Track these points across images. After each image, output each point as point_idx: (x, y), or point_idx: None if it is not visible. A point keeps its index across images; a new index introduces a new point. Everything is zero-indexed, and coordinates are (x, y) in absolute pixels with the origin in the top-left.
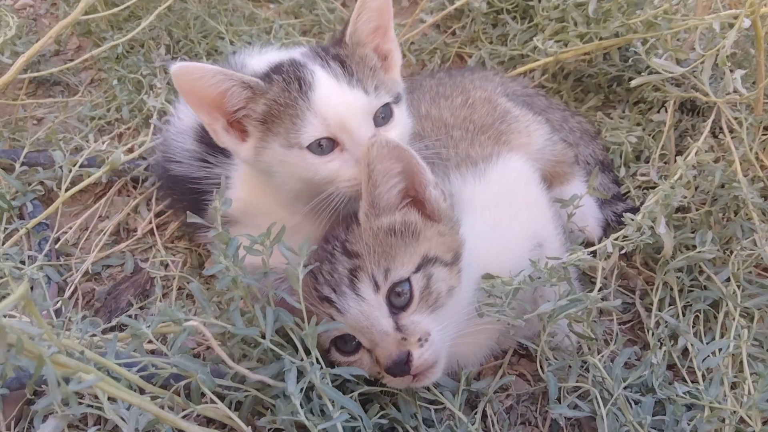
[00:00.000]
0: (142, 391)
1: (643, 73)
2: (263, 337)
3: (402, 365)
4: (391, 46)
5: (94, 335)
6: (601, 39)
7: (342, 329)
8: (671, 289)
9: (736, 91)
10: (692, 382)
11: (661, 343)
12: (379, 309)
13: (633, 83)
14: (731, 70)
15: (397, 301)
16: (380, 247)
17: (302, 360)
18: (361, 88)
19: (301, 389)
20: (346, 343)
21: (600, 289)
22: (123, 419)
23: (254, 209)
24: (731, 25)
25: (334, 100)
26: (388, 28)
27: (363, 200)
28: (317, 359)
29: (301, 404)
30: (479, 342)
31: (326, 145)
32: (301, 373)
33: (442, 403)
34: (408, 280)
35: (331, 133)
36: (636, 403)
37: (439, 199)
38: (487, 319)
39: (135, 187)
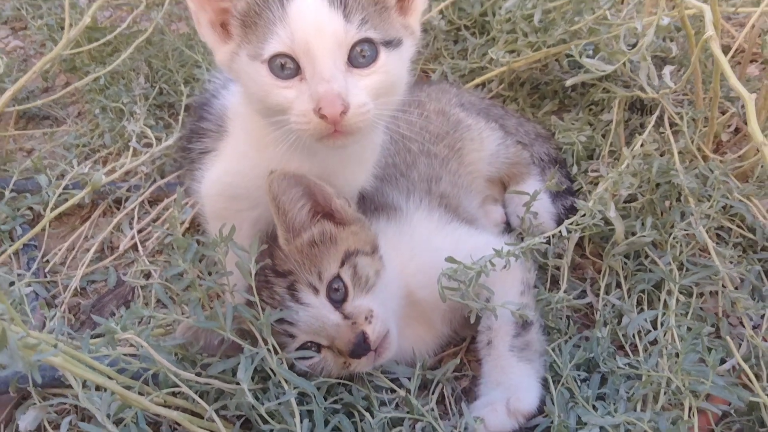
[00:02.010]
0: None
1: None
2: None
3: (362, 344)
4: None
5: (71, 336)
6: (549, 47)
7: (294, 320)
8: (617, 274)
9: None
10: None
11: (606, 322)
12: (325, 308)
13: (567, 83)
14: (660, 63)
15: (336, 295)
16: (307, 258)
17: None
18: (343, 12)
19: (261, 378)
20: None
21: (556, 282)
22: (97, 409)
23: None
24: (678, 28)
25: (308, 15)
26: None
27: (278, 228)
28: (274, 347)
29: (257, 394)
30: (432, 330)
31: (289, 69)
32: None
33: (398, 389)
34: (338, 275)
35: (293, 52)
36: (584, 381)
37: (344, 206)
38: (426, 305)
39: (118, 208)
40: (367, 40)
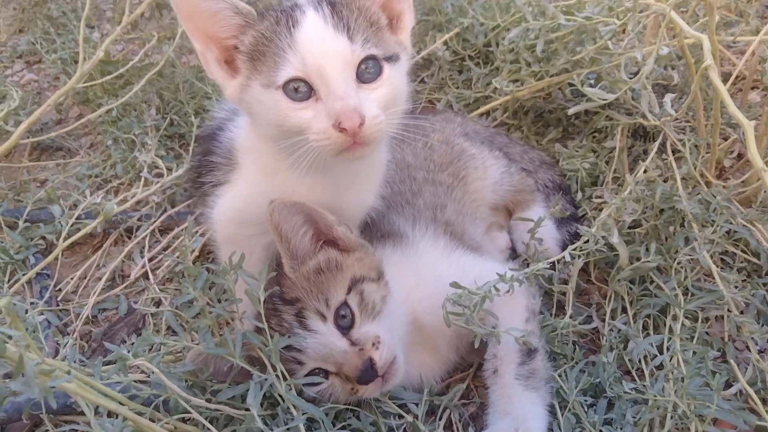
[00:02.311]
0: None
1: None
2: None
3: (369, 370)
4: (404, 6)
5: (83, 363)
6: (552, 76)
7: (302, 346)
8: (623, 299)
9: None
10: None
11: (612, 347)
12: (332, 334)
13: (569, 112)
14: (662, 91)
15: (343, 322)
16: (314, 285)
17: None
18: (347, 34)
19: (270, 404)
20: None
21: (562, 307)
22: None
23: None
24: (679, 57)
25: (315, 40)
26: None
27: (283, 256)
28: (282, 373)
29: (266, 420)
30: (439, 356)
31: (303, 92)
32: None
33: (405, 414)
34: (345, 302)
35: (307, 76)
36: (591, 406)
37: (347, 233)
38: (432, 331)
39: (129, 237)
40: (371, 57)
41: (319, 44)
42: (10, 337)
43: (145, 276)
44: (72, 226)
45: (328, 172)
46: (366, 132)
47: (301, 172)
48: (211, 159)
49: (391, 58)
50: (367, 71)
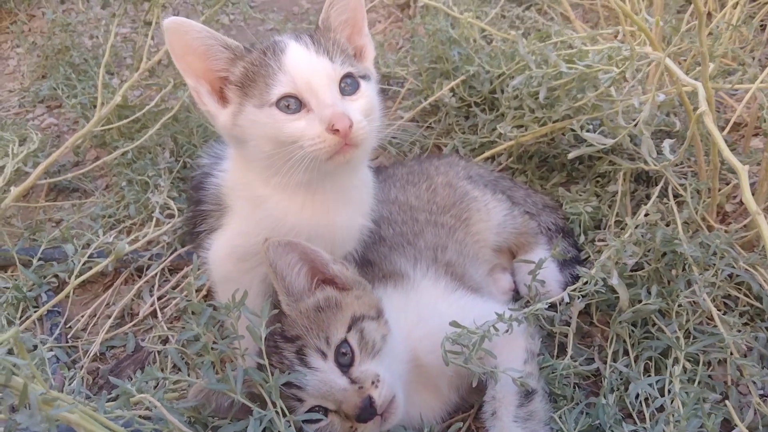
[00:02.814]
0: None
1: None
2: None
3: (368, 409)
4: (365, 41)
5: (88, 397)
6: (554, 122)
7: (302, 384)
8: (624, 342)
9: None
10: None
11: (613, 389)
12: (332, 372)
13: (570, 156)
14: (664, 136)
15: (343, 360)
16: (314, 323)
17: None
18: (327, 56)
19: None
20: (315, 420)
21: (564, 349)
22: None
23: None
24: (681, 104)
25: (302, 62)
26: (362, 25)
27: (279, 294)
28: (282, 410)
29: None
30: (439, 396)
31: (294, 107)
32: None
33: None
34: (345, 340)
35: (297, 91)
36: None
37: (343, 270)
38: (432, 370)
39: (140, 276)
40: (349, 75)
41: (305, 64)
42: (16, 366)
43: (154, 314)
44: (84, 264)
45: (318, 189)
46: (355, 134)
47: (290, 192)
48: (202, 209)
49: (365, 77)
50: (348, 86)
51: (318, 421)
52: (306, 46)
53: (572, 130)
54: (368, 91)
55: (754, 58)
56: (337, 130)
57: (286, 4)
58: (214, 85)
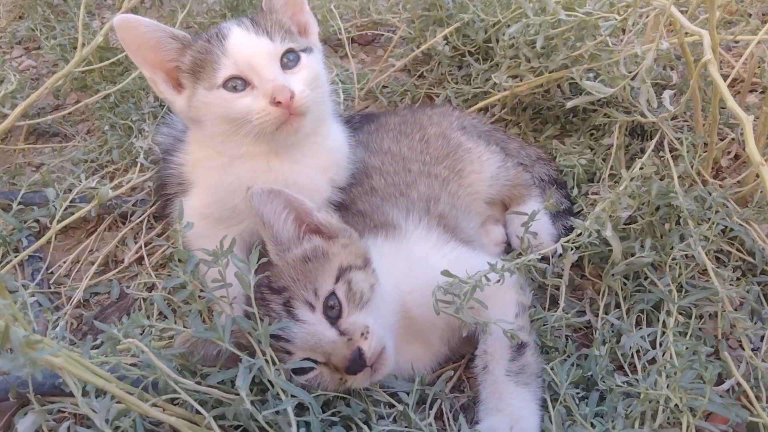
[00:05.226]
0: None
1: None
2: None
3: (358, 360)
4: (307, 18)
5: (72, 342)
6: (551, 72)
7: (290, 336)
8: (617, 294)
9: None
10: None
11: (605, 341)
12: (321, 324)
13: (568, 104)
14: (660, 91)
15: (332, 312)
16: (301, 274)
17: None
18: (267, 36)
19: (259, 390)
20: (304, 370)
21: (555, 301)
22: (95, 411)
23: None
24: (678, 57)
25: (243, 44)
26: (302, 4)
27: (267, 243)
28: (272, 358)
29: (255, 405)
30: (430, 348)
31: (240, 86)
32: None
33: (396, 404)
34: (333, 292)
35: (241, 72)
36: (582, 399)
37: (328, 218)
38: (423, 322)
39: (123, 222)
40: (291, 51)
41: (246, 45)
42: None
43: (139, 261)
44: (66, 209)
45: (279, 150)
46: (297, 103)
47: (253, 152)
48: (167, 173)
49: (306, 50)
50: (290, 61)
51: (307, 371)
52: (246, 29)
53: (570, 81)
54: (310, 62)
55: (751, 15)
56: (279, 102)
57: None
58: (171, 73)
